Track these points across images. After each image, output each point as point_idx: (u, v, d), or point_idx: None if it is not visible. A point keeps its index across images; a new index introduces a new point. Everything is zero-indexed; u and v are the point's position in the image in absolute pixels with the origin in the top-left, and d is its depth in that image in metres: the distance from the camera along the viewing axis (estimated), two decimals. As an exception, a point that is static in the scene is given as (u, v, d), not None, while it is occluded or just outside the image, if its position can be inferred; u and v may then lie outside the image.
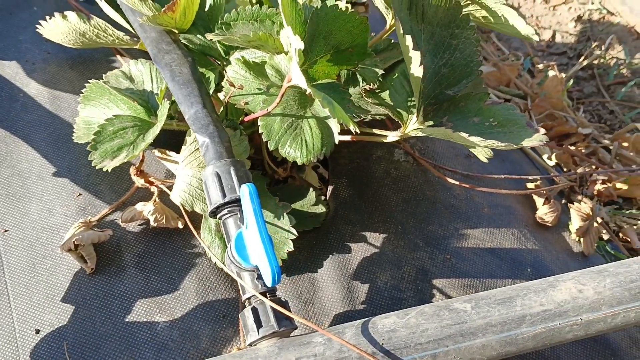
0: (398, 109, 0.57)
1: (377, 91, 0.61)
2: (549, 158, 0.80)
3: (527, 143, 0.52)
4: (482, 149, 0.60)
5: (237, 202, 0.51)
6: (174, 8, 0.61)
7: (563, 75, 0.96)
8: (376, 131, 0.58)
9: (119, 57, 0.77)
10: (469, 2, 0.58)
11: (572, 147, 0.87)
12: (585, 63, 1.05)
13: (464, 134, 0.49)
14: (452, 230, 0.63)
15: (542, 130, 0.54)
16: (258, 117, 0.57)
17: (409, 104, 0.58)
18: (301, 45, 0.48)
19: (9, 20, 0.80)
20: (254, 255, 0.48)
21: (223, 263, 0.56)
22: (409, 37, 0.49)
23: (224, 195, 0.51)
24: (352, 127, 0.49)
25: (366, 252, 0.60)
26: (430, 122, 0.56)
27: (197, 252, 0.59)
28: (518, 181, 0.73)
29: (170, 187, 0.61)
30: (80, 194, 0.62)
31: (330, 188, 0.66)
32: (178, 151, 0.64)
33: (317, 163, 0.69)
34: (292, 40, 0.48)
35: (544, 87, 0.94)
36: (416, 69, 0.50)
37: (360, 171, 0.67)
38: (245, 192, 0.48)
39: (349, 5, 0.60)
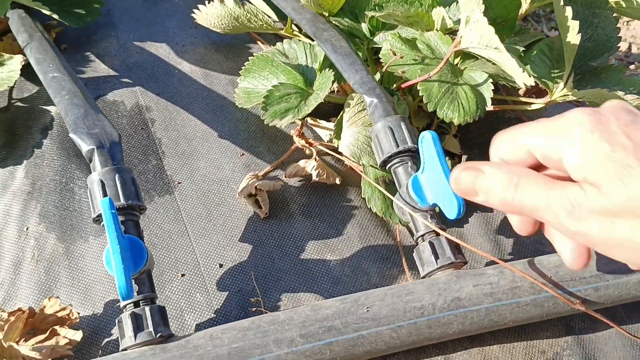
0: (543, 79, 0.63)
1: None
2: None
3: (671, 106, 0.58)
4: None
5: (407, 152, 0.57)
6: (334, -9, 0.68)
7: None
8: (522, 99, 0.64)
9: (259, 43, 0.84)
10: (605, -13, 0.65)
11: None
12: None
13: (620, 92, 0.55)
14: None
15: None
16: (416, 84, 0.63)
17: (552, 74, 0.64)
18: (482, 7, 0.54)
19: (154, 10, 0.89)
20: (434, 194, 0.53)
21: (386, 212, 0.62)
22: (569, 8, 0.56)
23: (397, 146, 0.57)
24: (527, 82, 0.55)
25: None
26: (575, 90, 0.62)
27: (353, 204, 0.65)
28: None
29: (327, 148, 0.67)
30: (243, 154, 0.69)
31: (464, 157, 0.71)
32: (325, 120, 0.71)
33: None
34: (473, 4, 0.54)
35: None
36: (573, 37, 0.57)
37: (490, 144, 0.73)
38: (428, 137, 0.54)
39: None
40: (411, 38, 0.67)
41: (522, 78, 0.53)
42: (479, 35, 0.53)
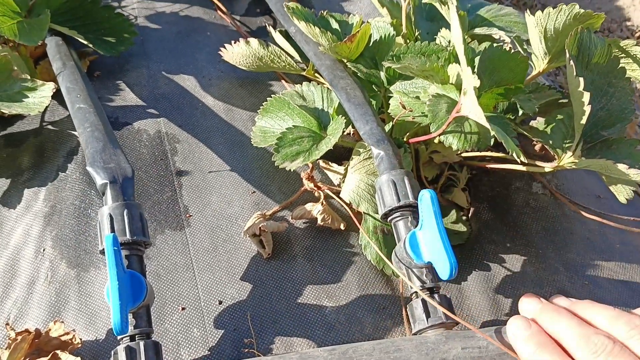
0: (555, 147, 0.64)
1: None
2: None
3: (679, 183, 0.57)
4: (623, 189, 0.65)
5: (408, 207, 0.58)
6: (353, 39, 0.70)
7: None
8: (531, 161, 0.65)
9: (283, 82, 0.87)
10: (623, 55, 0.65)
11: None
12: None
13: (623, 166, 0.55)
14: (588, 260, 0.68)
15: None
16: (423, 140, 0.65)
17: (565, 142, 0.64)
18: (477, 83, 0.55)
19: (186, 42, 0.93)
20: (429, 252, 0.54)
21: (379, 262, 0.63)
22: (581, 79, 0.56)
23: (399, 200, 0.58)
24: (520, 158, 0.56)
25: (509, 270, 0.65)
26: (583, 159, 0.62)
27: (355, 251, 0.66)
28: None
29: (335, 193, 0.69)
30: (254, 192, 0.71)
31: (471, 210, 0.72)
32: (337, 163, 0.73)
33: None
34: (469, 79, 0.55)
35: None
36: (584, 108, 0.57)
37: (500, 199, 0.73)
38: (427, 196, 0.55)
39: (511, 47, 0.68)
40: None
41: (515, 156, 0.54)
42: (475, 108, 0.54)
